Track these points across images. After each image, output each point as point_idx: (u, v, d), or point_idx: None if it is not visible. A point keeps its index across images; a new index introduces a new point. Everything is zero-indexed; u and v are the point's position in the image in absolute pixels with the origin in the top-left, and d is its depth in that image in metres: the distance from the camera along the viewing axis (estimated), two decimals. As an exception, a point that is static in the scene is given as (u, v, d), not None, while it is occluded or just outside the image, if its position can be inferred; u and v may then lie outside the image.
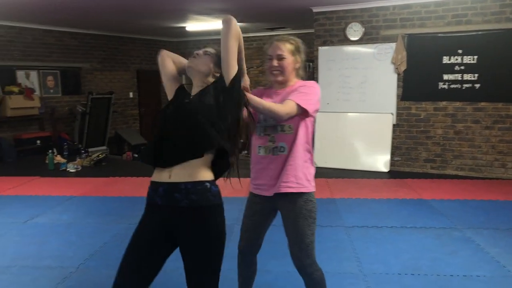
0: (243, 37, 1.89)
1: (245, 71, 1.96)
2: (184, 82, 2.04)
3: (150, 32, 9.92)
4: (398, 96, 6.45)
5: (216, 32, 9.51)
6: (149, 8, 6.39)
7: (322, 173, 6.43)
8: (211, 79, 1.88)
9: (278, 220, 2.30)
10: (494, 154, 6.05)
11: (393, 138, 6.54)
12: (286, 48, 2.13)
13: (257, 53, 9.52)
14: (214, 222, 1.72)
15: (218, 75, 1.87)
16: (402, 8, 6.29)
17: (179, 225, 1.72)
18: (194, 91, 1.87)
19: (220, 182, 1.82)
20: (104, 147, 9.13)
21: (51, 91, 8.79)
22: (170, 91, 1.95)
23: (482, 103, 6.02)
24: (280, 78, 2.16)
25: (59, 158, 7.22)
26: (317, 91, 2.15)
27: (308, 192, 2.16)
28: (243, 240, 2.32)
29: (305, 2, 6.44)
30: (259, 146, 2.17)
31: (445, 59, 6.10)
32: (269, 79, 2.22)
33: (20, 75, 8.24)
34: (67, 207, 4.78)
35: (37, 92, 8.37)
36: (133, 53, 10.42)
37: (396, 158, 6.58)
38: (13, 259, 3.38)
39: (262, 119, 2.15)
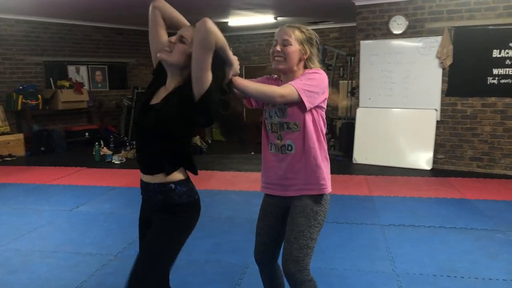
0: None
1: (235, 61, 1.74)
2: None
3: (193, 28, 10.08)
4: (442, 91, 6.21)
5: (258, 27, 9.55)
6: (194, 4, 6.51)
7: (361, 170, 6.34)
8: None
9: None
10: (547, 154, 5.72)
11: (437, 135, 6.31)
12: (294, 35, 1.90)
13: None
14: (181, 215, 1.76)
15: None
16: (449, 0, 6.04)
17: (153, 214, 1.81)
18: (168, 85, 1.74)
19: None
20: (148, 140, 9.40)
21: (99, 85, 9.20)
22: (155, 62, 1.83)
23: (535, 99, 5.70)
24: (281, 66, 1.93)
25: (105, 150, 7.53)
26: (322, 80, 1.92)
27: (319, 195, 1.96)
28: (257, 247, 2.11)
29: (347, -5, 6.34)
30: (271, 143, 2.02)
31: (495, 53, 5.82)
32: (273, 67, 2.01)
33: (71, 70, 8.68)
34: (109, 197, 4.99)
35: (86, 87, 8.79)
36: (177, 48, 10.65)
37: (439, 156, 6.34)
38: (58, 245, 3.58)
39: (268, 115, 2.01)
